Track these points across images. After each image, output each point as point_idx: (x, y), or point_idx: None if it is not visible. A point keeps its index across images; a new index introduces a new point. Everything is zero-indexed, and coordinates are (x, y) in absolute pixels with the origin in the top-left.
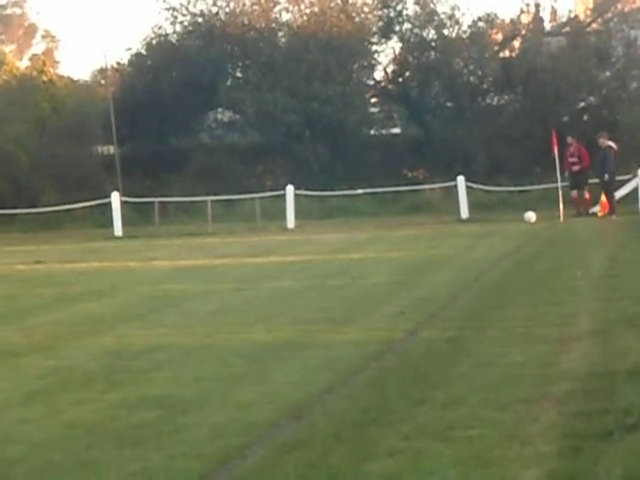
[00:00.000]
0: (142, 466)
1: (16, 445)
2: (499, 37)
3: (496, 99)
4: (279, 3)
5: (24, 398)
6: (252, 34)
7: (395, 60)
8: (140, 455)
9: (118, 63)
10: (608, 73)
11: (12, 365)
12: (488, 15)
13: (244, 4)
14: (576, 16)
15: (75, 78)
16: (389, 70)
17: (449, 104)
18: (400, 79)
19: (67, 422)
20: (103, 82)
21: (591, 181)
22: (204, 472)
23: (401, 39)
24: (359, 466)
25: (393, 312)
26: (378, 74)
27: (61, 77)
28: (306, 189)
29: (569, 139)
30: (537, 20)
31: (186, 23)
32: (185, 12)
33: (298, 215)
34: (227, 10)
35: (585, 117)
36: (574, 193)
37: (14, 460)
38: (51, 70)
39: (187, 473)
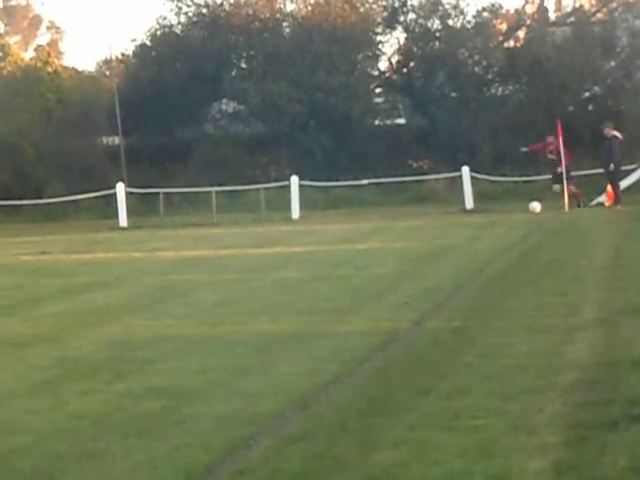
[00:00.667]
0: (147, 456)
1: (22, 436)
2: (504, 27)
3: (501, 89)
4: None
5: (30, 389)
6: (256, 25)
7: (399, 50)
8: (145, 445)
9: (123, 54)
10: (613, 63)
11: (18, 356)
12: (493, 5)
13: None
14: (581, 6)
15: (80, 69)
16: (393, 60)
17: (454, 94)
18: (405, 69)
19: (73, 413)
20: (108, 73)
21: (593, 172)
22: (209, 462)
23: (405, 29)
24: (365, 456)
25: (398, 302)
26: (382, 64)
27: (66, 68)
28: (311, 180)
29: (549, 138)
30: (542, 10)
31: (190, 14)
32: (189, 3)
33: (303, 206)
34: (231, 1)
35: (590, 107)
36: (570, 187)
37: (20, 451)
38: (56, 61)
39: (192, 463)
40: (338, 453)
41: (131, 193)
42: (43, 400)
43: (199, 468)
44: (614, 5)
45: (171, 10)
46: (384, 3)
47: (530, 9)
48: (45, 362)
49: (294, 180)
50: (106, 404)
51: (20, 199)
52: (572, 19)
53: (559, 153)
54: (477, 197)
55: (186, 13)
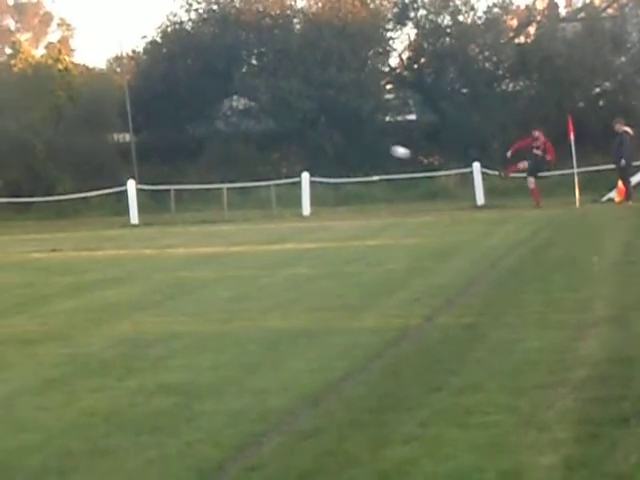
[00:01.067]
0: (159, 453)
1: (33, 433)
2: (514, 23)
3: (511, 85)
4: None
5: (41, 386)
6: (267, 21)
7: (410, 46)
8: (157, 442)
9: (134, 51)
10: (623, 58)
11: (29, 353)
12: (503, 1)
13: None
14: (591, 1)
15: (91, 66)
16: (404, 56)
17: (464, 90)
18: (415, 65)
19: (84, 410)
20: (119, 70)
21: (603, 167)
22: (221, 459)
23: (416, 25)
24: (376, 452)
25: (409, 299)
26: (393, 60)
27: (77, 65)
28: (321, 176)
29: (536, 133)
30: (552, 6)
31: (201, 11)
32: (200, 0)
33: (313, 202)
34: None
35: (601, 103)
36: (532, 183)
37: (31, 448)
38: (67, 58)
39: (204, 460)
40: (349, 449)
41: (142, 190)
42: (54, 397)
43: (210, 464)
44: (624, 1)
45: (181, 7)
46: None
47: (540, 5)
48: (56, 359)
49: (305, 176)
50: (117, 401)
51: (31, 196)
52: (582, 15)
53: (547, 149)
54: (488, 193)
55: (196, 10)
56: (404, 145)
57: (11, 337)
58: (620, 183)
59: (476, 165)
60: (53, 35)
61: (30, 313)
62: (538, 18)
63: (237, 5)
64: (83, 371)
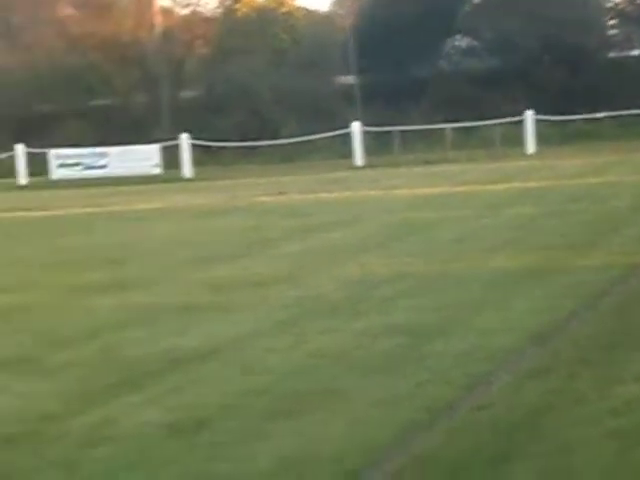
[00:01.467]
0: (389, 393)
1: (261, 375)
2: None
3: None
4: None
5: (271, 328)
6: None
7: None
8: (386, 383)
9: None
10: None
11: (259, 295)
12: None
13: None
14: None
15: (313, 9)
16: None
17: None
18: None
19: (312, 352)
20: (341, 12)
21: None
22: (450, 399)
23: None
24: (605, 390)
25: (636, 235)
26: None
27: (299, 8)
28: (545, 114)
29: None
30: None
31: None
32: None
33: (537, 141)
34: None
35: None
36: None
37: (259, 391)
38: (289, 1)
39: (433, 399)
40: (577, 387)
41: (366, 132)
42: (283, 339)
43: (440, 404)
44: None
45: None
46: None
47: None
48: (284, 301)
49: (529, 115)
50: (345, 342)
51: (256, 140)
52: None
53: None
54: None
55: None
56: (629, 81)
57: (241, 280)
58: None
59: None
60: None
61: (259, 256)
62: None
63: None
64: (311, 313)
